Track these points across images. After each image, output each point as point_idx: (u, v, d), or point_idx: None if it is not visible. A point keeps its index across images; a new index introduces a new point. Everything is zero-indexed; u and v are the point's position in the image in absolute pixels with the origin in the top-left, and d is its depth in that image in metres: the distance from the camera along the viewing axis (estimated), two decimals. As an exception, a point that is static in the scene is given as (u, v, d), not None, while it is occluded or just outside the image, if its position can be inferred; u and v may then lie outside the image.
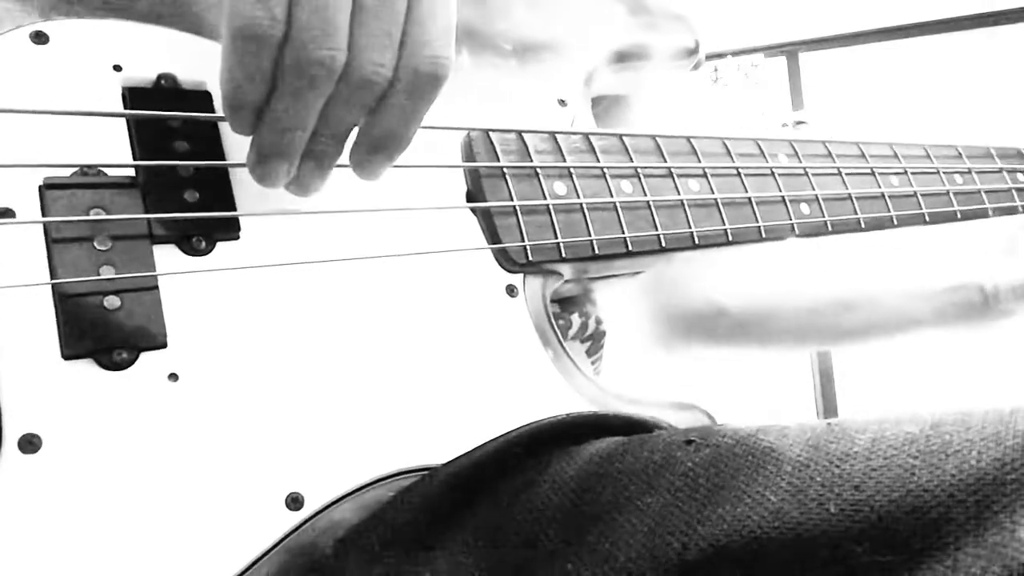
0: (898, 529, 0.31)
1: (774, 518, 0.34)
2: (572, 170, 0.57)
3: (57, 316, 0.41)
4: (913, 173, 0.75)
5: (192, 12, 0.50)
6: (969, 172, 0.79)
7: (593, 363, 0.65)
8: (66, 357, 0.40)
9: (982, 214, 0.78)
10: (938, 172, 0.77)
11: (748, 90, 2.91)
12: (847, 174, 0.70)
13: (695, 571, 0.34)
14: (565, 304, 0.61)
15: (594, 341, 0.64)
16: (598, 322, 0.64)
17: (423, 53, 0.39)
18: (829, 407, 3.26)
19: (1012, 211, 0.80)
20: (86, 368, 0.41)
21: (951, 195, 0.77)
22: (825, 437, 0.37)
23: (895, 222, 0.72)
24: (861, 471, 0.34)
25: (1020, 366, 2.63)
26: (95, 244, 0.42)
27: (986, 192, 0.79)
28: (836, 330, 0.89)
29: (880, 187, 0.72)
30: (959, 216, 0.76)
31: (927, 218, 0.74)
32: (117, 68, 0.47)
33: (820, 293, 0.89)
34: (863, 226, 0.70)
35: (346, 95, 0.39)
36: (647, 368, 0.87)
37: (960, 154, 0.80)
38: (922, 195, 0.74)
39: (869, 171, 0.72)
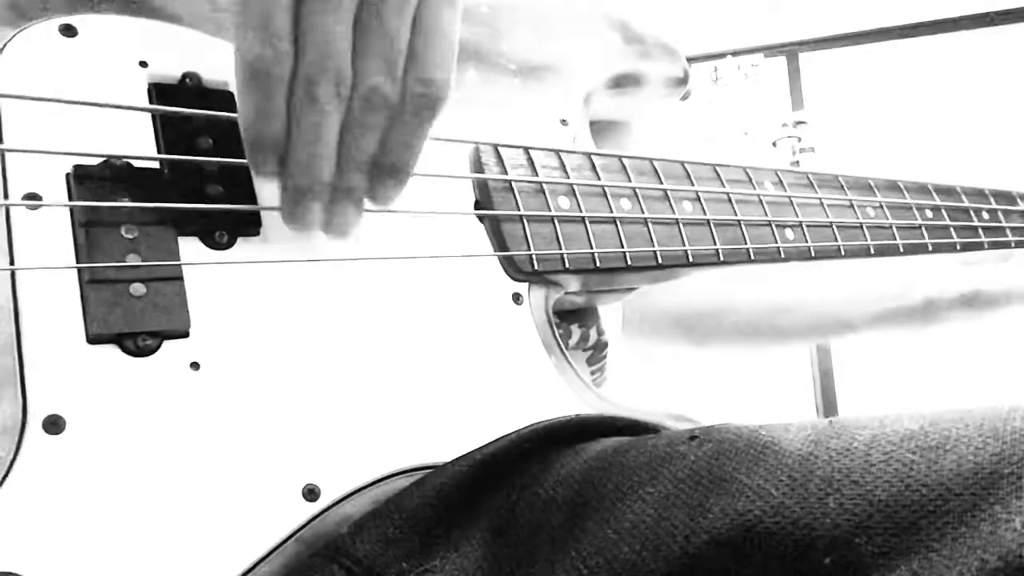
0: (896, 522, 0.32)
1: (775, 512, 0.34)
2: (575, 186, 0.59)
3: (83, 299, 0.41)
4: (888, 207, 0.78)
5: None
6: (938, 208, 0.83)
7: (593, 373, 0.66)
8: (91, 340, 0.41)
9: (950, 248, 0.82)
10: (911, 207, 0.80)
11: (748, 90, 2.92)
12: (828, 204, 0.73)
13: (697, 562, 0.35)
14: (565, 316, 0.63)
15: (595, 351, 0.66)
16: (599, 333, 0.65)
17: (420, 77, 0.41)
18: (829, 407, 3.23)
19: (978, 247, 0.84)
20: (110, 353, 0.41)
21: (923, 228, 0.80)
22: (826, 433, 0.38)
23: (872, 251, 0.75)
24: (860, 466, 0.35)
25: (1019, 366, 2.67)
26: (122, 232, 0.43)
27: (955, 228, 0.83)
28: (773, 331, 0.89)
29: (858, 217, 0.75)
30: (930, 248, 0.80)
31: (901, 249, 0.78)
32: (143, 64, 0.48)
33: (758, 296, 0.90)
34: (843, 253, 0.73)
35: (350, 122, 0.41)
36: (648, 376, 0.88)
37: (929, 190, 0.83)
38: (897, 227, 0.78)
39: (848, 203, 0.75)
